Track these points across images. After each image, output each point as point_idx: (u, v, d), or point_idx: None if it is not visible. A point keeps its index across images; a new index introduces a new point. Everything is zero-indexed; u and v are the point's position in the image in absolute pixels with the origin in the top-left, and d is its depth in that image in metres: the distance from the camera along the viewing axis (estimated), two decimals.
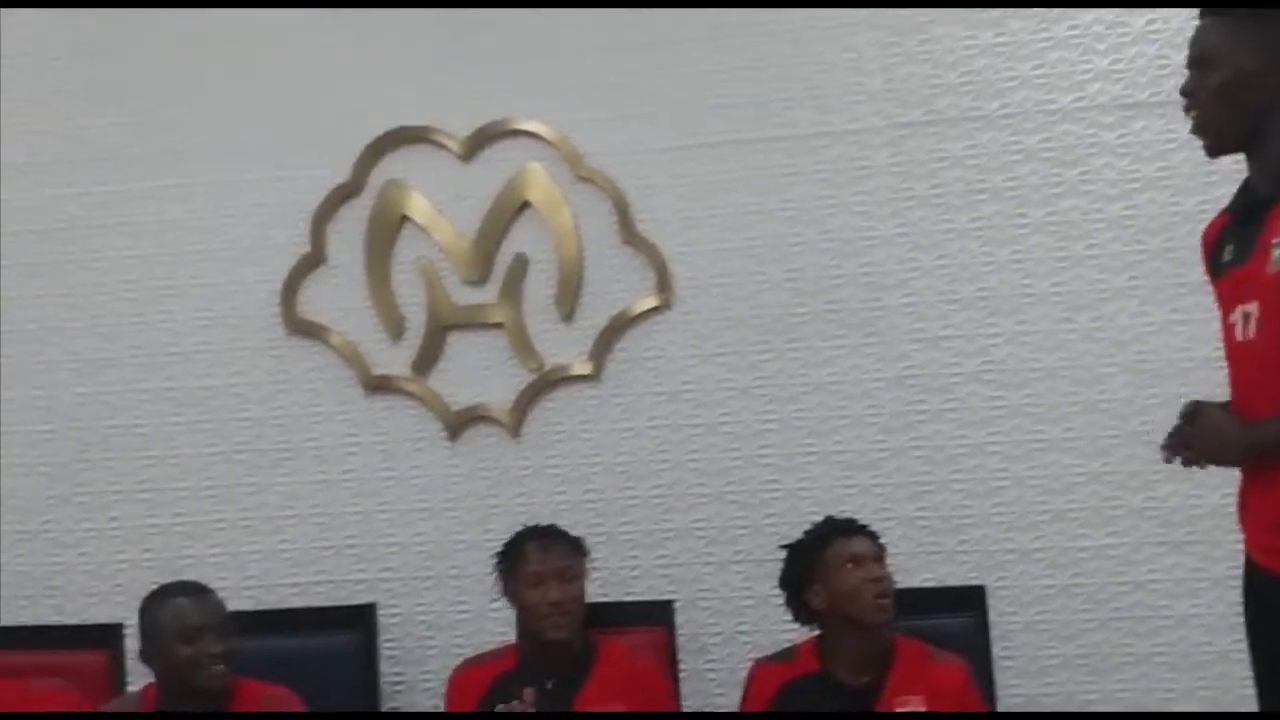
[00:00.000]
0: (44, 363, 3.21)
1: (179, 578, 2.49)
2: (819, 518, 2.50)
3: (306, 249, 3.14)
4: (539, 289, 3.11)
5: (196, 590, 2.38)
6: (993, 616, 2.81)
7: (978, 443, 2.94)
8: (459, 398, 3.11)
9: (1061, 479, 2.88)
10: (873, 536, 2.37)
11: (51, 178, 3.21)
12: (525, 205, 3.11)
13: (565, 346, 3.10)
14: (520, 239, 3.12)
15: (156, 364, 3.18)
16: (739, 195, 3.05)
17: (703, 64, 3.07)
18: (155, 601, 2.35)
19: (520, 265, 3.11)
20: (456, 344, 3.13)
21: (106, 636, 2.82)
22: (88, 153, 3.21)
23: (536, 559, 2.50)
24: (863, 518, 2.50)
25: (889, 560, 2.42)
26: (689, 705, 2.92)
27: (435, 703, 2.84)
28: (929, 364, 2.98)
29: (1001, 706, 2.76)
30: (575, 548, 2.58)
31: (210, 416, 3.16)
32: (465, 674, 2.52)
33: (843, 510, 2.60)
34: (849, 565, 2.29)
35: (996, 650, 2.80)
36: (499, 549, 2.62)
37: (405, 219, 3.14)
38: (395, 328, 3.13)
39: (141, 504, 3.17)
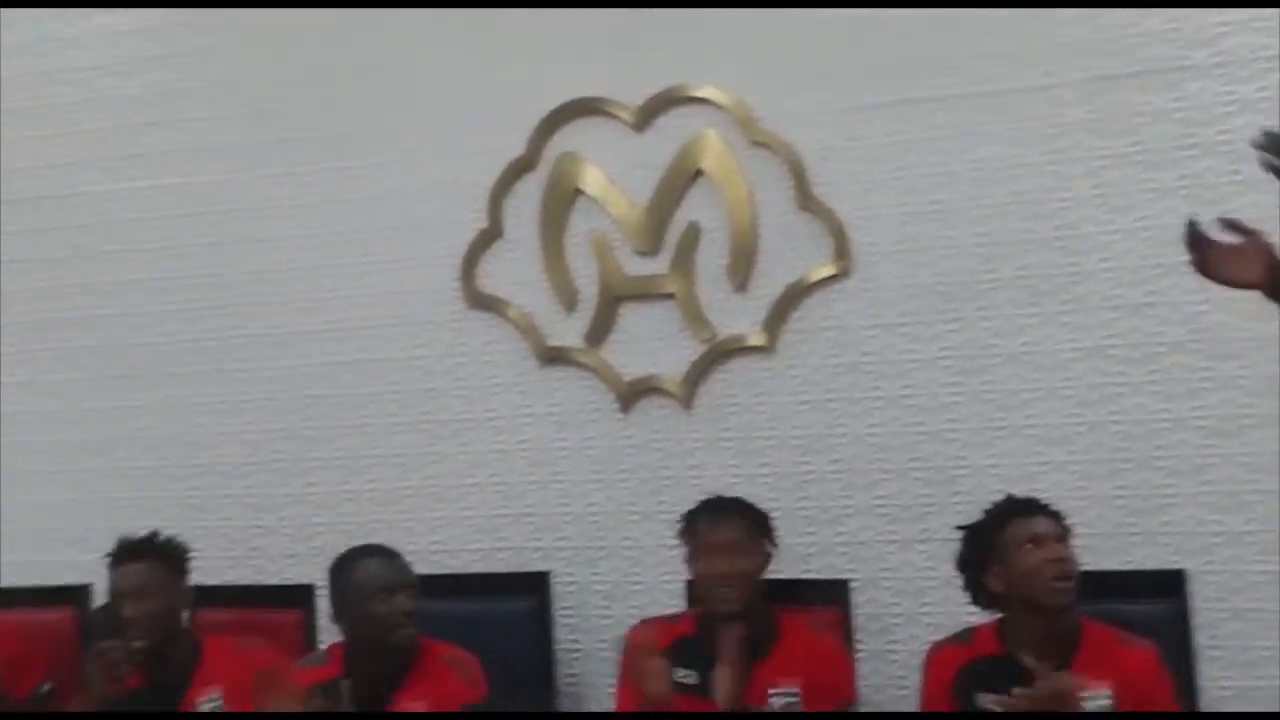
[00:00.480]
0: (245, 336, 3.37)
1: (369, 541, 2.57)
2: (1017, 495, 2.36)
3: (484, 224, 3.19)
4: (712, 258, 3.06)
5: (387, 552, 2.45)
6: (1196, 603, 2.61)
7: (1181, 417, 2.72)
8: (631, 369, 3.10)
9: (1275, 456, 2.63)
10: (1055, 516, 2.23)
11: (252, 160, 3.37)
12: (698, 173, 3.07)
13: (739, 317, 3.04)
14: (693, 208, 3.08)
15: (348, 337, 3.30)
16: (922, 156, 2.91)
17: (882, 19, 2.94)
18: (347, 562, 2.43)
19: (693, 234, 3.07)
20: (629, 315, 3.12)
21: (300, 596, 2.95)
22: (285, 135, 3.35)
23: (707, 530, 2.47)
24: (1055, 496, 2.35)
25: (1081, 541, 2.27)
26: (868, 685, 2.84)
27: (610, 672, 2.85)
28: (1129, 333, 2.78)
29: (1204, 700, 2.56)
30: (753, 522, 2.53)
31: (397, 387, 3.26)
32: (643, 630, 2.51)
33: (1034, 489, 2.46)
34: (1028, 546, 2.15)
35: (1201, 639, 2.60)
36: (679, 518, 2.59)
37: (579, 191, 3.14)
38: (569, 300, 3.14)
39: (335, 471, 3.30)
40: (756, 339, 3.02)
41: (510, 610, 2.96)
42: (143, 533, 2.60)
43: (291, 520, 3.33)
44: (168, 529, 2.75)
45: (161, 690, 2.52)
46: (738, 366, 3.05)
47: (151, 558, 2.54)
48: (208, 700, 2.52)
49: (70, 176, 3.49)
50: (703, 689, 2.34)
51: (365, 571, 2.37)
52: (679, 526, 2.58)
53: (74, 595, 3.09)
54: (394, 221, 3.25)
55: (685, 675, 2.37)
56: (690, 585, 2.61)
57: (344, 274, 3.29)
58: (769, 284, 3.02)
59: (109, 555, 2.57)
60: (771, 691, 2.29)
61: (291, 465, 3.34)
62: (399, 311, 3.25)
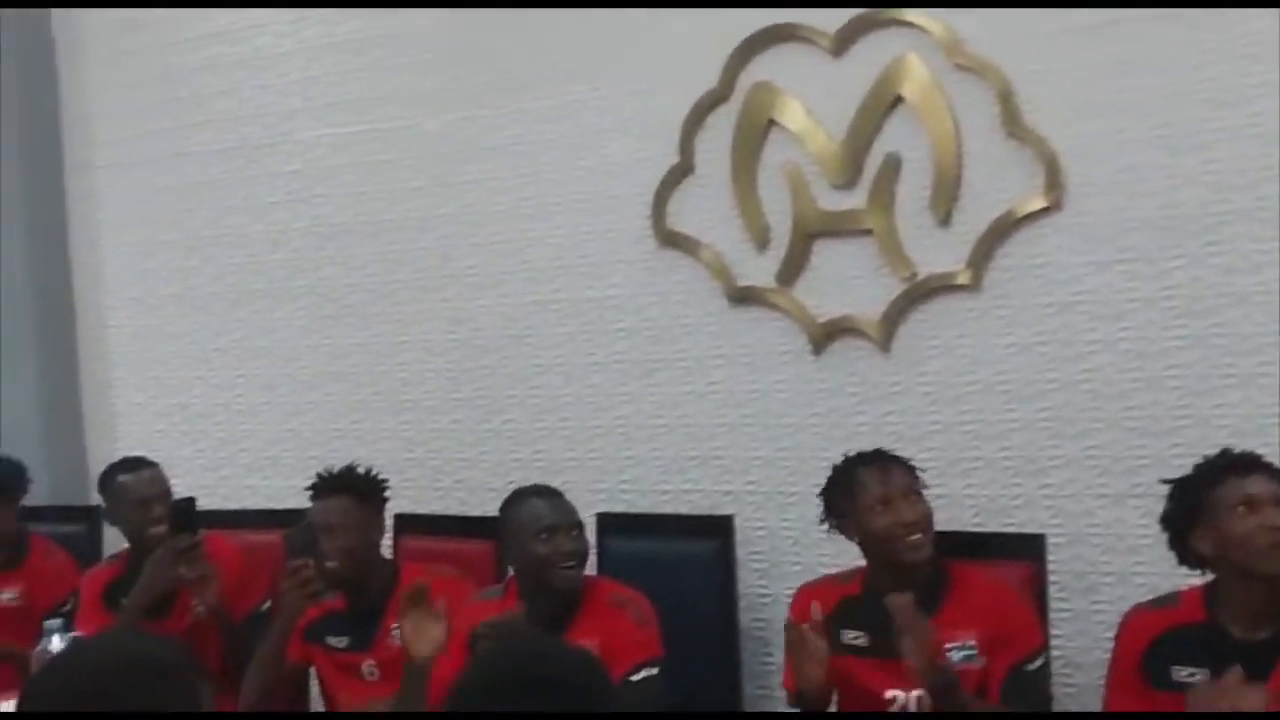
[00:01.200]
0: (448, 276, 3.45)
1: (561, 478, 2.59)
2: (1235, 450, 2.13)
3: (675, 159, 3.12)
4: (913, 191, 2.90)
5: (551, 493, 2.47)
6: None
7: None
8: (825, 309, 2.99)
9: None
10: (1276, 475, 1.99)
11: (450, 103, 3.41)
12: (898, 101, 2.90)
13: (941, 253, 2.87)
14: (893, 137, 2.91)
15: (543, 277, 3.32)
16: (1144, 78, 2.65)
17: None
18: (514, 502, 2.47)
19: (892, 166, 2.91)
20: (823, 252, 2.99)
21: (491, 529, 3.00)
22: (481, 78, 3.37)
23: (878, 481, 2.33)
24: None
25: None
26: (1072, 646, 2.68)
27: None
28: None
29: None
30: (910, 468, 2.39)
31: (589, 327, 3.26)
32: (804, 593, 2.43)
33: (1266, 444, 2.23)
34: (1241, 508, 1.94)
35: None
36: (825, 484, 2.44)
37: (772, 123, 3.02)
38: (760, 237, 3.04)
39: (530, 408, 3.35)
40: (960, 277, 2.85)
41: (694, 553, 2.94)
42: (341, 467, 2.71)
43: (490, 455, 3.41)
44: (377, 460, 2.87)
45: (361, 615, 2.64)
46: (939, 306, 2.89)
47: (348, 493, 2.65)
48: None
49: (282, 124, 3.63)
50: (873, 650, 2.24)
51: (529, 511, 2.39)
52: (827, 492, 2.43)
53: (293, 519, 3.26)
54: (587, 161, 3.23)
55: (855, 637, 2.29)
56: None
57: (538, 215, 3.31)
58: (974, 218, 2.84)
59: (309, 489, 2.70)
60: (947, 646, 2.17)
61: (490, 402, 3.41)
62: (591, 251, 3.24)
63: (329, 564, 2.52)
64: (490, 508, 3.24)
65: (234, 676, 2.61)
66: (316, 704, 2.89)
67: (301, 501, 3.04)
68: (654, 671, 2.30)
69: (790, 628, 2.16)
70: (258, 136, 3.67)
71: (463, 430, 3.46)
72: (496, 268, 3.38)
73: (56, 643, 2.36)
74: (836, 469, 2.43)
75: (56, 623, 2.45)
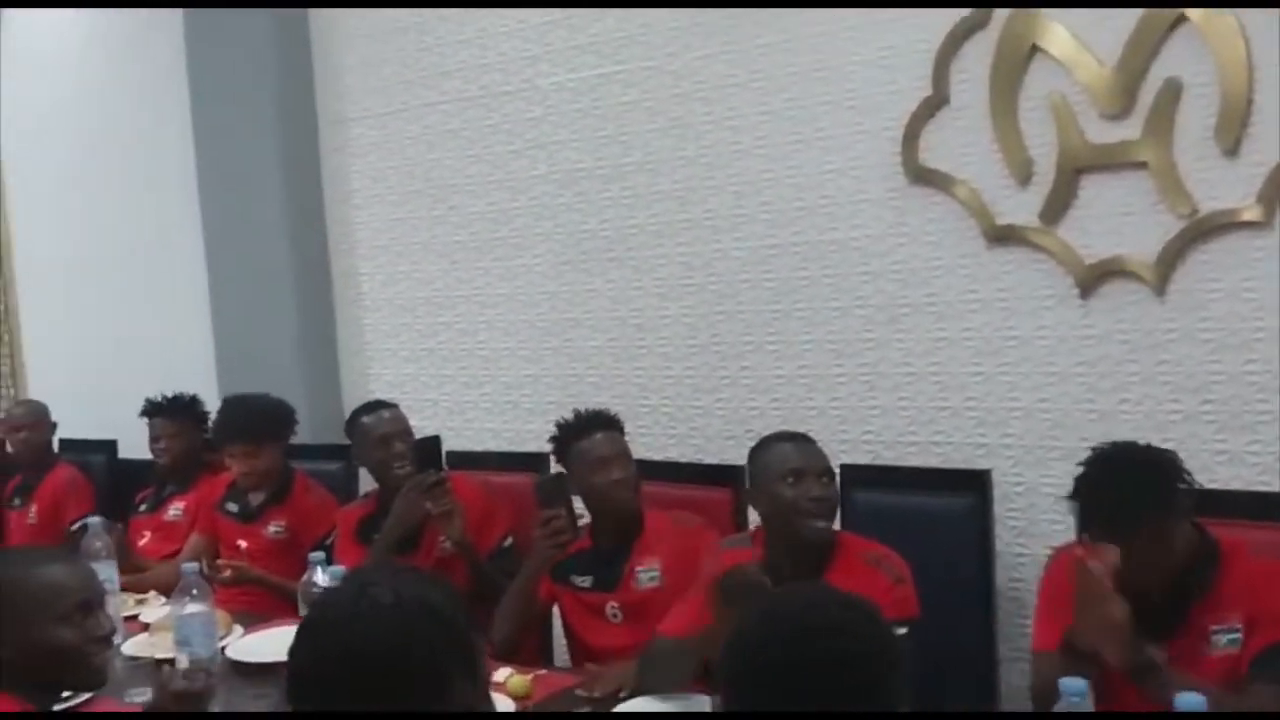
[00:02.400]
0: (686, 220, 3.39)
1: (801, 428, 2.51)
2: None
3: (928, 91, 2.95)
4: (1195, 120, 2.64)
5: (801, 437, 2.38)
6: None
7: None
8: (1094, 249, 2.77)
9: None
10: None
11: (690, 41, 3.33)
12: (1180, 20, 2.64)
13: (1227, 188, 2.61)
14: (1173, 62, 2.65)
15: (784, 219, 3.21)
16: None
17: None
18: (762, 446, 2.39)
19: (1172, 92, 2.65)
20: (1091, 188, 2.77)
21: (729, 475, 2.96)
22: (723, 14, 3.26)
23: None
24: None
25: None
26: None
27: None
28: None
29: None
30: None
31: (832, 270, 3.14)
32: (1064, 555, 2.24)
33: None
34: None
35: None
36: None
37: (1035, 49, 2.81)
38: (1022, 172, 2.84)
39: (770, 355, 3.27)
40: (1248, 213, 2.59)
41: (947, 508, 2.79)
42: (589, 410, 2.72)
43: (727, 402, 3.35)
44: (615, 405, 2.87)
45: (605, 555, 2.64)
46: (1223, 245, 2.63)
47: (614, 428, 2.68)
48: (646, 570, 2.61)
49: (524, 70, 3.64)
50: None
51: (777, 455, 2.31)
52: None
53: (531, 463, 3.30)
54: (831, 95, 3.10)
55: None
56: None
57: (779, 154, 3.19)
58: (1265, 148, 2.56)
59: (563, 428, 2.71)
60: (1213, 629, 1.97)
61: (728, 348, 3.34)
62: (835, 191, 3.11)
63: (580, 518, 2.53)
64: (726, 455, 3.23)
65: (480, 610, 2.66)
66: (559, 641, 2.93)
67: (541, 445, 3.09)
68: (903, 631, 2.19)
69: (1083, 569, 1.94)
70: (499, 84, 3.70)
71: (699, 377, 3.41)
72: (735, 210, 3.30)
73: (320, 575, 2.45)
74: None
75: (319, 555, 2.55)
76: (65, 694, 2.00)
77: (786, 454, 2.31)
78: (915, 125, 2.97)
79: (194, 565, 2.53)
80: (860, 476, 2.90)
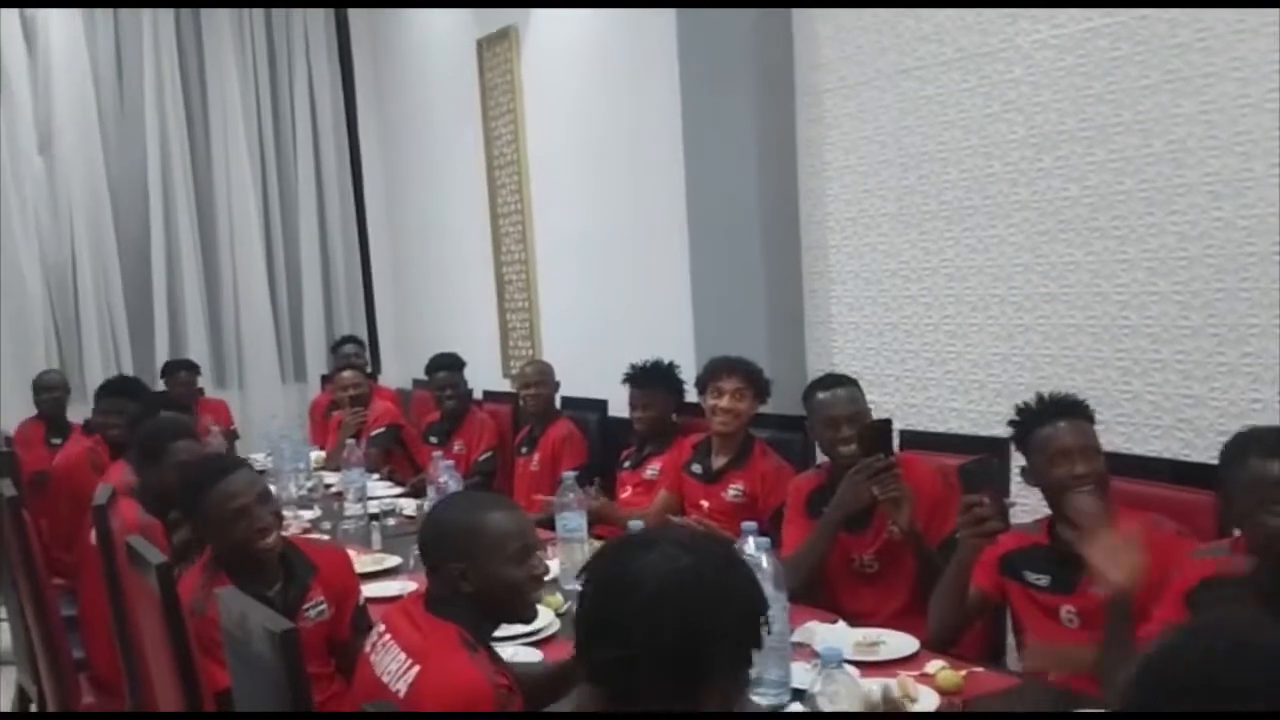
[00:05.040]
0: (1181, 185, 3.03)
1: None
2: None
3: None
4: None
5: None
6: None
7: None
8: None
9: None
10: None
11: None
12: None
13: None
14: None
15: None
16: None
17: None
18: (1248, 449, 2.08)
19: None
20: None
21: (1214, 476, 2.60)
22: None
23: None
24: None
25: None
26: None
27: None
28: None
29: None
30: None
31: None
32: None
33: None
34: None
35: None
36: None
37: None
38: None
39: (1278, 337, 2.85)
40: None
41: None
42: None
43: (1222, 393, 2.97)
44: (1089, 391, 2.65)
45: (1064, 554, 2.43)
46: None
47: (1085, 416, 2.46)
48: None
49: (1003, 29, 3.43)
50: None
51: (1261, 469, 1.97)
52: None
53: (996, 446, 3.12)
54: None
55: None
56: None
57: None
58: None
59: (1025, 412, 2.54)
60: None
61: (1228, 330, 2.96)
62: None
63: (1010, 502, 2.36)
64: (1215, 453, 2.85)
65: (927, 599, 2.57)
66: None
67: (1004, 430, 2.90)
68: None
69: None
70: (977, 45, 3.51)
71: (1190, 363, 3.05)
72: (1240, 173, 2.90)
73: (750, 545, 2.47)
74: None
75: (752, 525, 2.55)
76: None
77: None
78: None
79: (640, 521, 2.65)
80: None
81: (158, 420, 3.75)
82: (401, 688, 1.78)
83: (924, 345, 3.78)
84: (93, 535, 3.48)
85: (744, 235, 4.18)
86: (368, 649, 1.94)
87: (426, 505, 3.92)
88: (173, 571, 2.19)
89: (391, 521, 3.97)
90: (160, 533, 3.08)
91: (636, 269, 4.94)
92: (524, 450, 4.58)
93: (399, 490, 4.58)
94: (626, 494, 3.94)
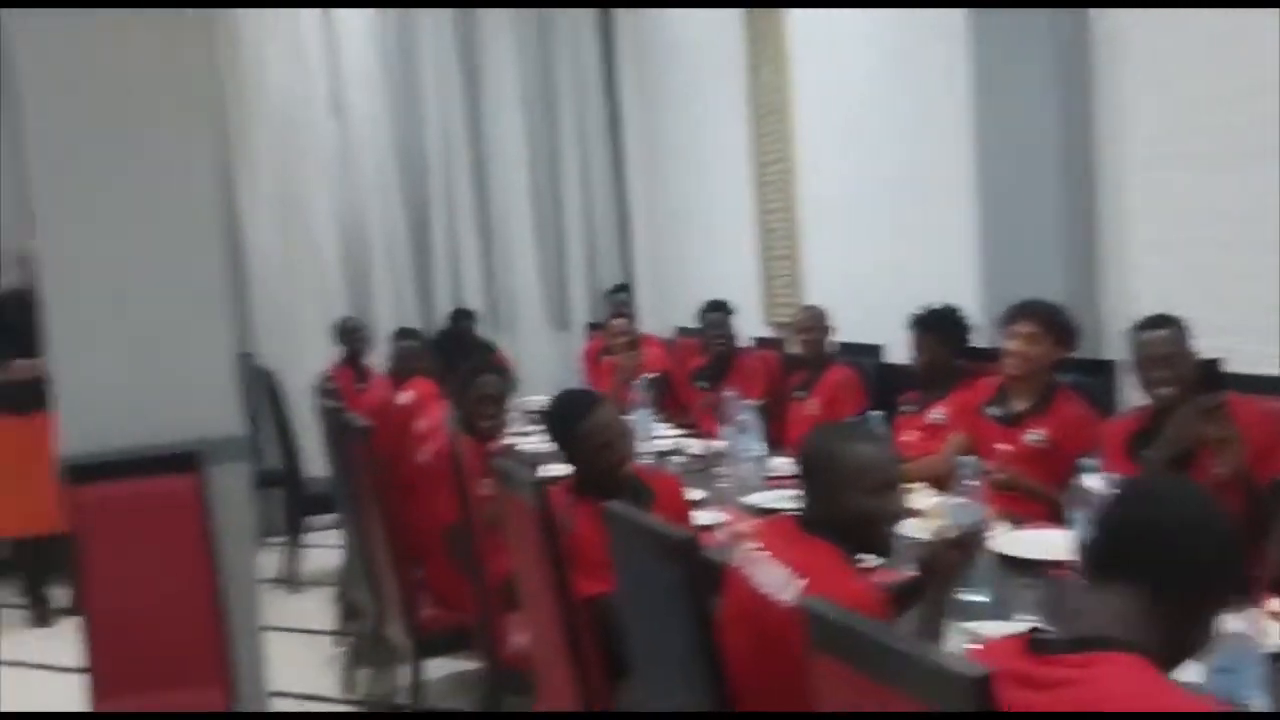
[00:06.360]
0: None
1: None
2: None
3: None
4: None
5: None
6: None
7: None
8: None
9: None
10: None
11: None
12: None
13: None
14: None
15: None
16: None
17: None
18: None
19: None
20: None
21: None
22: None
23: None
24: None
25: None
26: None
27: None
28: None
29: None
30: None
31: None
32: None
33: None
34: None
35: None
36: None
37: None
38: None
39: None
40: None
41: None
42: None
43: None
44: None
45: None
46: None
47: None
48: None
49: None
50: None
51: None
52: None
53: None
54: None
55: None
56: None
57: None
58: None
59: None
60: None
61: None
62: None
63: None
64: None
65: (1251, 544, 2.55)
66: None
67: None
68: None
69: None
70: None
71: None
72: None
73: (1091, 481, 2.51)
74: None
75: (1092, 462, 2.60)
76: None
77: None
78: None
79: (972, 459, 2.72)
80: None
81: (472, 361, 4.09)
82: (787, 599, 1.91)
83: (1230, 289, 3.65)
84: (420, 456, 3.84)
85: (1036, 176, 4.11)
86: (741, 563, 2.09)
87: (717, 445, 4.10)
88: (546, 489, 2.40)
89: (679, 459, 4.17)
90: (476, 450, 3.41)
91: (913, 213, 4.93)
92: (799, 394, 4.68)
93: (680, 430, 4.76)
94: (909, 438, 3.99)
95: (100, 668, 2.98)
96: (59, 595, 5.37)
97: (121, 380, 3.19)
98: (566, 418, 2.70)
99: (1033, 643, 1.45)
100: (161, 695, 2.92)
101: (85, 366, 3.18)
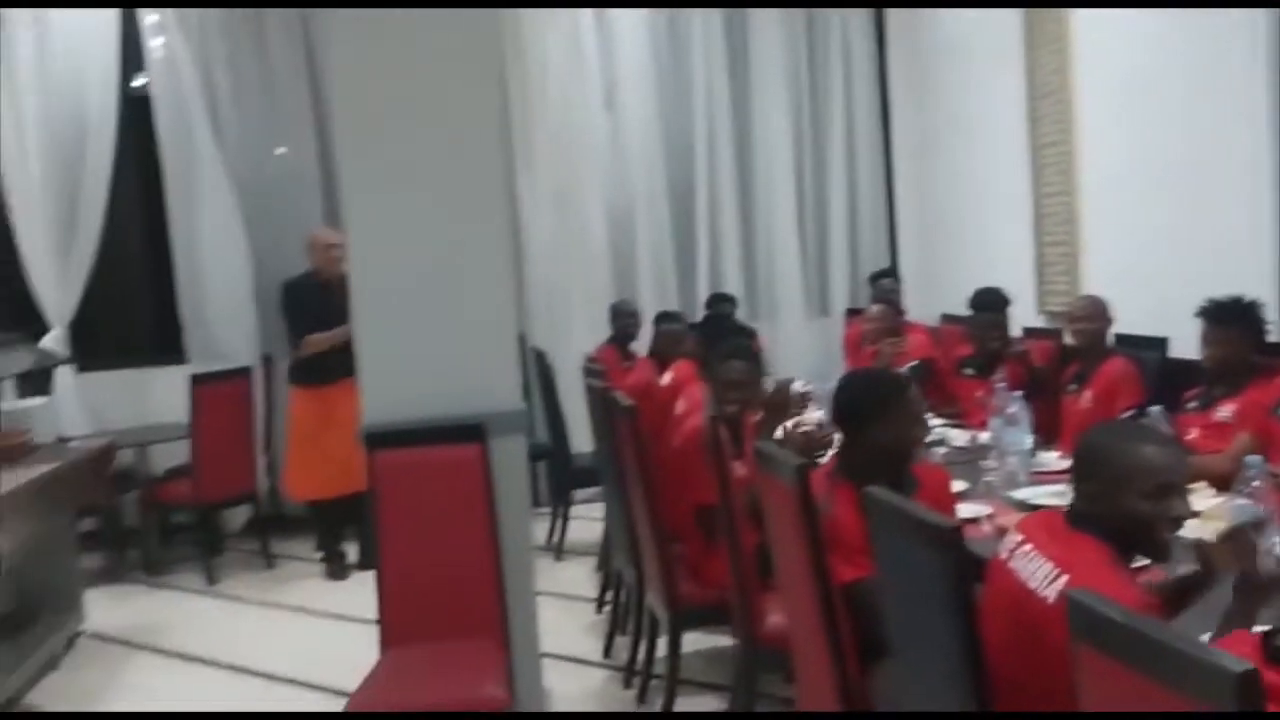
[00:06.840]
0: None
1: None
2: None
3: None
4: None
5: None
6: None
7: None
8: None
9: None
10: None
11: None
12: None
13: None
14: None
15: None
16: None
17: None
18: None
19: None
20: None
21: None
22: None
23: None
24: None
25: None
26: None
27: None
28: None
29: None
30: None
31: None
32: None
33: None
34: None
35: None
36: None
37: None
38: None
39: None
40: None
41: None
42: None
43: None
44: None
45: None
46: None
47: None
48: None
49: None
50: None
51: None
52: None
53: None
54: None
55: None
56: None
57: None
58: None
59: None
60: None
61: None
62: None
63: None
64: None
65: None
66: None
67: None
68: None
69: None
70: None
71: None
72: None
73: None
74: None
75: None
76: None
77: None
78: None
79: (1258, 459, 2.57)
80: None
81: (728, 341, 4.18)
82: (1050, 594, 1.89)
83: None
84: (678, 438, 3.95)
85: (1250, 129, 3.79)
86: (1004, 556, 2.07)
87: (985, 437, 4.00)
88: (808, 472, 2.45)
89: (942, 450, 4.10)
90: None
91: (1203, 198, 4.63)
92: (1073, 387, 4.50)
93: (942, 421, 4.67)
94: (1191, 436, 3.78)
95: (390, 616, 3.25)
96: (349, 552, 5.85)
97: (418, 358, 3.46)
98: (873, 396, 2.71)
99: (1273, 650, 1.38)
100: (443, 645, 3.16)
101: (387, 346, 3.47)
